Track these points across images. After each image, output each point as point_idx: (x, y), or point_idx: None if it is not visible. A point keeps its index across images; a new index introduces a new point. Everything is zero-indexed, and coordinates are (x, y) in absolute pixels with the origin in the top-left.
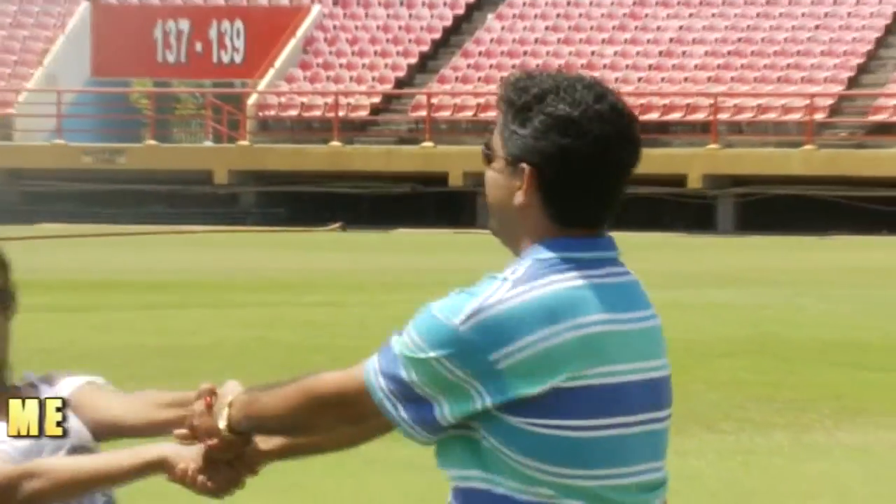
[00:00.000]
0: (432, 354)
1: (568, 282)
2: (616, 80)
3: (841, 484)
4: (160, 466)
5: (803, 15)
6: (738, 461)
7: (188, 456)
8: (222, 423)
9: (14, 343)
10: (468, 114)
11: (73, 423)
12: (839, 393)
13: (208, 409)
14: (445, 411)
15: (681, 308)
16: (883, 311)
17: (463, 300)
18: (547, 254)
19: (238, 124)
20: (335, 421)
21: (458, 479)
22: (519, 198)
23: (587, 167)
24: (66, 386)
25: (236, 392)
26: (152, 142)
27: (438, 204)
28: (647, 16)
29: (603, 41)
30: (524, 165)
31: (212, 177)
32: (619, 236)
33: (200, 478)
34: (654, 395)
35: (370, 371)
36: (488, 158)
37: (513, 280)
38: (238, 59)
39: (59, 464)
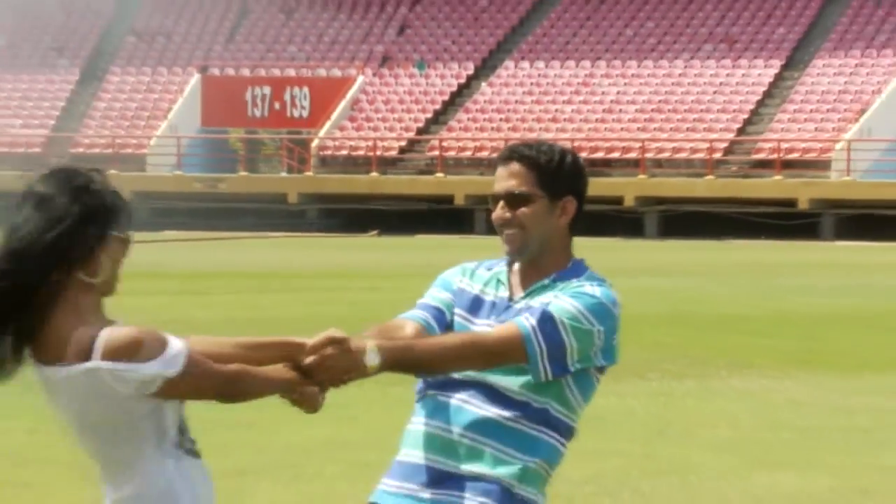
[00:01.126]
0: (598, 328)
1: None
2: (573, 129)
3: (733, 416)
4: (295, 386)
5: (704, 83)
6: (660, 401)
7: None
8: (376, 362)
9: (145, 316)
10: (468, 153)
11: None
12: (733, 352)
13: (346, 352)
14: (576, 363)
15: (619, 292)
16: (764, 294)
17: (609, 293)
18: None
19: (305, 160)
20: (483, 365)
21: (528, 399)
22: (564, 220)
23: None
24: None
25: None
26: (244, 173)
27: (447, 217)
28: (594, 84)
29: (563, 102)
30: (570, 197)
31: (286, 198)
32: (578, 241)
33: (319, 398)
34: None
35: (530, 333)
36: (524, 202)
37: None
38: (305, 114)
39: (260, 368)
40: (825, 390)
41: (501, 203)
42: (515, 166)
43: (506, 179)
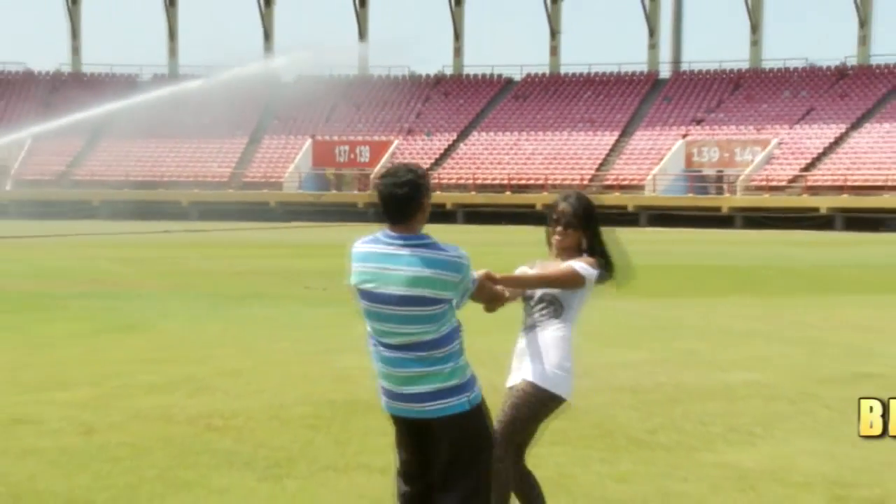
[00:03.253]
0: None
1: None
2: (510, 169)
3: (592, 320)
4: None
5: (577, 144)
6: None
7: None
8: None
9: (273, 269)
10: (454, 181)
11: None
12: (595, 288)
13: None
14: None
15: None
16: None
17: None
18: None
19: (366, 185)
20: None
21: None
22: None
23: None
24: None
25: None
26: (334, 191)
27: (441, 216)
28: (521, 144)
29: (504, 154)
30: None
31: (357, 205)
32: (512, 228)
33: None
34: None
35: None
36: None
37: None
38: (366, 160)
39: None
40: (643, 306)
41: None
42: None
43: None
